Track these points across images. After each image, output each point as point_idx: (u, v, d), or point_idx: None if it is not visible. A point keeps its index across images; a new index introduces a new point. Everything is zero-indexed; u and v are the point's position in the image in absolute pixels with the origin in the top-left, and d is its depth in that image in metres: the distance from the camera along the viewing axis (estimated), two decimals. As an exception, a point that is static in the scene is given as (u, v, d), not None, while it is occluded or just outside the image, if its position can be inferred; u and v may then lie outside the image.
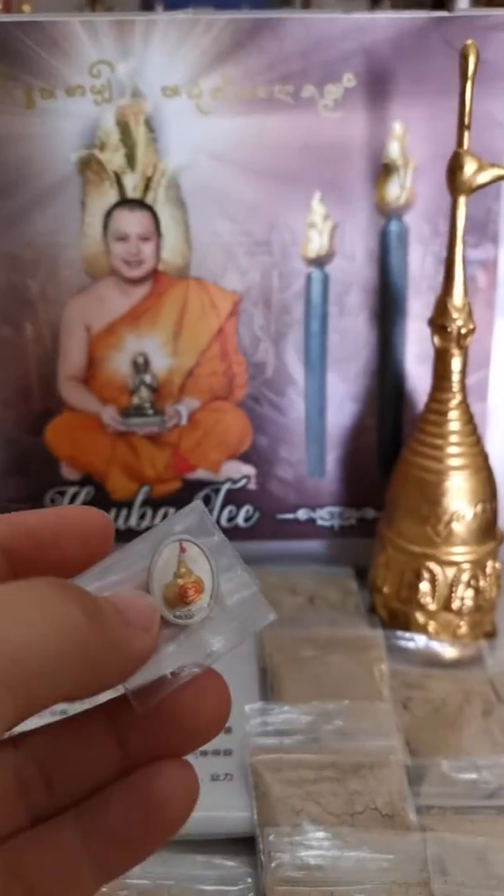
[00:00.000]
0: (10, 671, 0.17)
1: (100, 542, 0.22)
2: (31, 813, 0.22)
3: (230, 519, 0.56)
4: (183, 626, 0.21)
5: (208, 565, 0.22)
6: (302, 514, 0.57)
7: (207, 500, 0.56)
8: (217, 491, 0.56)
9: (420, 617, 0.49)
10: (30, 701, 0.18)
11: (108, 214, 0.51)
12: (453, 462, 0.47)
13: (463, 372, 0.48)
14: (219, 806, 0.37)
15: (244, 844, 0.36)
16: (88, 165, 0.50)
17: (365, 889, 0.32)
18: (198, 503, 0.23)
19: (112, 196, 0.51)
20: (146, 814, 0.21)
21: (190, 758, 0.34)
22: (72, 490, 0.55)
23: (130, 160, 0.50)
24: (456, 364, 0.47)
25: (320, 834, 0.34)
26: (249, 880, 0.34)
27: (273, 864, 0.33)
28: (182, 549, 0.22)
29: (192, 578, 0.22)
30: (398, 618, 0.50)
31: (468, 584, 0.48)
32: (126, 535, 0.23)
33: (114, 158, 0.50)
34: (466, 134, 0.45)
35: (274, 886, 0.32)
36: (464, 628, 0.49)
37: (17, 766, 0.22)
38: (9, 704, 0.17)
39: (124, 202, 0.51)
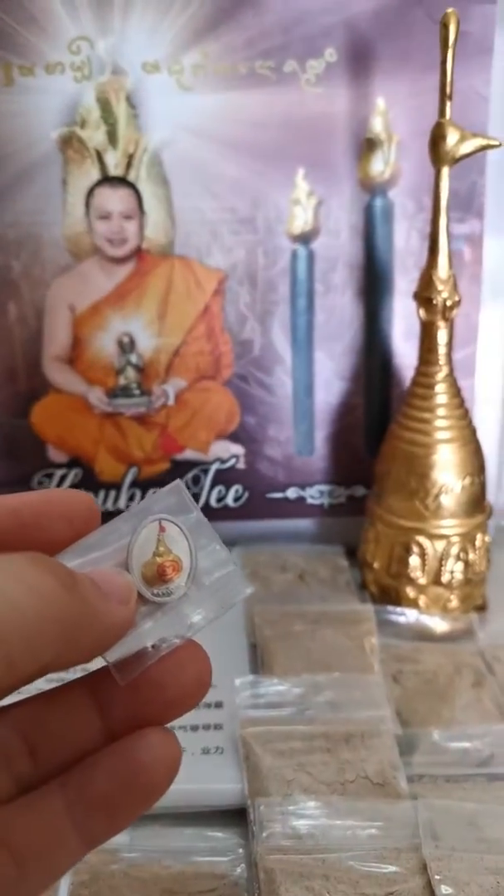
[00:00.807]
0: None
1: (85, 522, 0.22)
2: (16, 782, 0.22)
3: (220, 499, 0.56)
4: (161, 604, 0.22)
5: (187, 544, 0.22)
6: (291, 492, 0.56)
7: (196, 480, 0.56)
8: (206, 471, 0.56)
9: (410, 591, 0.49)
10: (10, 663, 0.18)
11: (90, 193, 0.51)
12: (441, 435, 0.47)
13: (449, 345, 0.48)
14: (210, 779, 0.37)
15: (235, 816, 0.36)
16: (69, 143, 0.50)
17: (356, 855, 0.31)
18: (178, 482, 0.23)
19: (94, 174, 0.50)
20: (129, 780, 0.22)
21: (180, 733, 0.34)
22: (59, 472, 0.55)
23: (112, 137, 0.50)
24: (442, 337, 0.47)
25: (311, 803, 0.34)
26: (240, 851, 0.34)
27: (264, 834, 0.33)
28: (162, 529, 0.22)
29: (170, 557, 0.22)
30: (388, 593, 0.50)
31: (458, 558, 0.48)
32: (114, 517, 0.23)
33: (95, 136, 0.50)
34: (448, 104, 0.45)
35: (265, 855, 0.32)
36: (454, 602, 0.49)
37: (1, 737, 0.22)
38: None
39: (106, 180, 0.51)
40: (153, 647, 0.22)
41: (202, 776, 0.37)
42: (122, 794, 0.22)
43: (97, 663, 0.22)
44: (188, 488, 0.56)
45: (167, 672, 0.22)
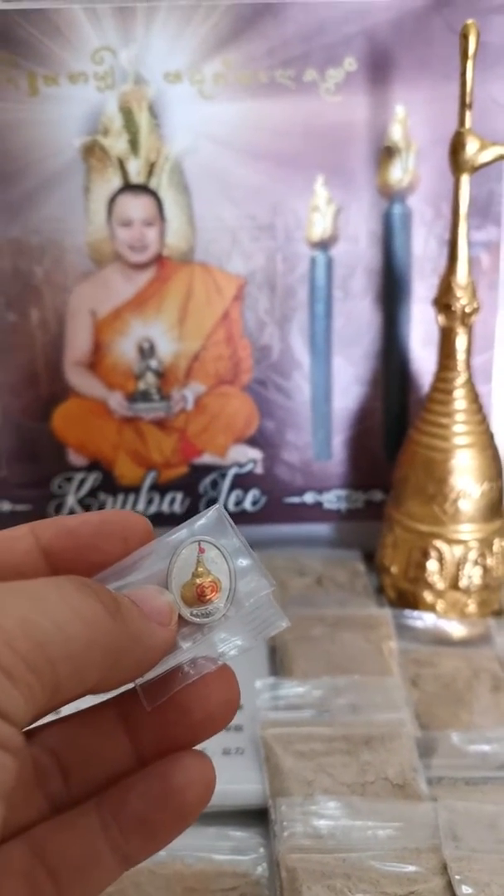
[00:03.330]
0: (37, 655, 0.18)
1: (140, 543, 0.23)
2: (50, 802, 0.23)
3: (237, 503, 0.57)
4: (200, 625, 0.22)
5: (227, 566, 0.22)
6: (309, 497, 0.57)
7: (214, 485, 0.56)
8: (224, 475, 0.56)
9: (428, 596, 0.49)
10: (56, 687, 0.18)
11: (112, 200, 0.51)
12: (460, 440, 0.48)
13: (468, 351, 0.48)
14: (231, 779, 0.37)
15: (256, 816, 0.36)
16: (92, 151, 0.51)
17: (377, 855, 0.32)
18: (218, 506, 0.23)
19: (116, 182, 0.51)
20: (163, 802, 0.22)
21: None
22: (79, 476, 0.56)
23: (134, 146, 0.51)
24: (461, 343, 0.48)
25: (332, 803, 0.34)
26: (262, 850, 0.34)
27: (286, 834, 0.33)
28: (201, 550, 0.22)
29: (209, 578, 0.22)
30: (406, 597, 0.50)
31: (476, 563, 0.48)
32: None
33: (117, 144, 0.51)
34: (468, 113, 0.45)
35: (287, 854, 0.32)
36: (472, 606, 0.49)
37: (35, 756, 0.23)
38: (36, 688, 0.18)
39: (128, 188, 0.51)
40: (183, 672, 0.22)
41: (223, 776, 0.36)
42: (156, 816, 0.22)
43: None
44: (206, 493, 0.56)
45: (193, 695, 0.22)
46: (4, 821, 0.18)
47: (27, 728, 0.19)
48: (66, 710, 0.22)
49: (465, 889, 0.30)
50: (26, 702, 0.17)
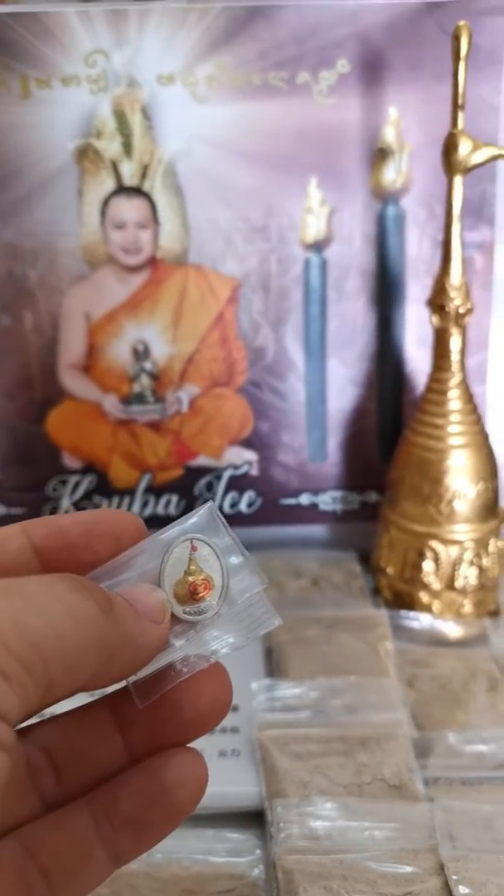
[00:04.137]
0: (30, 654, 0.18)
1: (132, 541, 0.23)
2: (42, 799, 0.23)
3: (233, 505, 0.57)
4: (193, 623, 0.22)
5: (219, 564, 0.22)
6: (304, 498, 0.57)
7: (210, 487, 0.56)
8: (219, 477, 0.56)
9: (424, 596, 0.49)
10: (50, 686, 0.18)
11: (106, 203, 0.51)
12: (454, 441, 0.48)
13: (462, 352, 0.48)
14: (227, 781, 0.37)
15: (252, 818, 0.36)
16: (85, 154, 0.51)
17: (374, 856, 0.32)
18: (210, 504, 0.23)
19: (109, 184, 0.51)
20: (155, 800, 0.22)
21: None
22: (74, 479, 0.56)
23: (127, 148, 0.51)
24: (455, 344, 0.48)
25: (328, 805, 0.34)
26: (258, 852, 0.34)
27: (282, 835, 0.33)
28: (193, 548, 0.22)
29: (202, 576, 0.22)
30: (402, 598, 0.50)
31: (471, 563, 0.48)
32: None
33: (110, 147, 0.51)
34: (460, 114, 0.45)
35: (283, 856, 0.32)
36: (467, 607, 0.49)
37: (27, 754, 0.23)
38: (30, 687, 0.18)
39: (121, 190, 0.51)
40: (174, 670, 0.22)
41: (219, 778, 0.36)
42: (149, 813, 0.22)
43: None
44: (201, 495, 0.56)
45: (185, 693, 0.22)
46: None
47: (19, 726, 0.19)
48: (59, 707, 0.22)
49: (462, 889, 0.30)
50: (20, 700, 0.18)
